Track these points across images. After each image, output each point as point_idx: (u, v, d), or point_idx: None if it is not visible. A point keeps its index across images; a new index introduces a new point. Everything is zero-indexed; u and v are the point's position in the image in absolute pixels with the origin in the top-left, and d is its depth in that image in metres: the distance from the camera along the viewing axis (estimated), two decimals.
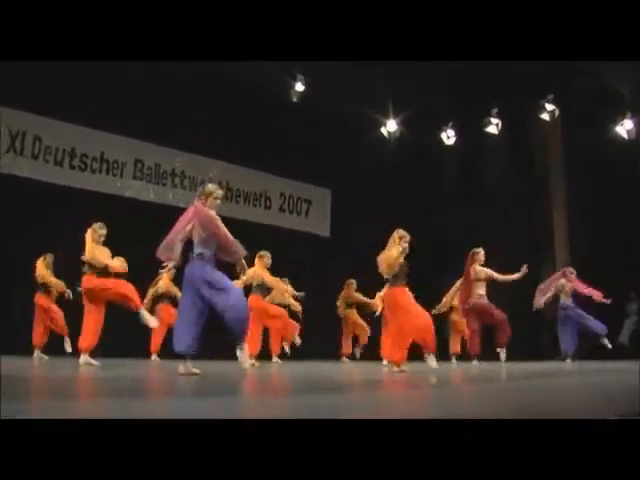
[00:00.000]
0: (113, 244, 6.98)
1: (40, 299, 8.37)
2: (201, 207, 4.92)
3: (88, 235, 6.60)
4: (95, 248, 6.54)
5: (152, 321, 6.36)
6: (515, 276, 8.23)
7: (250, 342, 7.47)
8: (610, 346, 9.21)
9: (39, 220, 9.21)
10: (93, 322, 6.52)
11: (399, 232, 6.46)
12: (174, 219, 10.68)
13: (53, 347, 8.43)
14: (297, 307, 9.46)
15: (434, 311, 9.88)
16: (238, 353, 4.78)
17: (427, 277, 8.06)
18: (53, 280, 8.31)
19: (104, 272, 6.56)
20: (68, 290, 8.18)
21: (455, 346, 10.75)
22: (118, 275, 6.69)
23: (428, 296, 7.90)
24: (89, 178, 10.55)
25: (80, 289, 6.76)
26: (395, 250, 6.32)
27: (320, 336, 10.43)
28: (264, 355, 8.85)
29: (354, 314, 11.03)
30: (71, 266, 8.50)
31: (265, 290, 8.35)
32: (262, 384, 4.70)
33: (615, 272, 11.05)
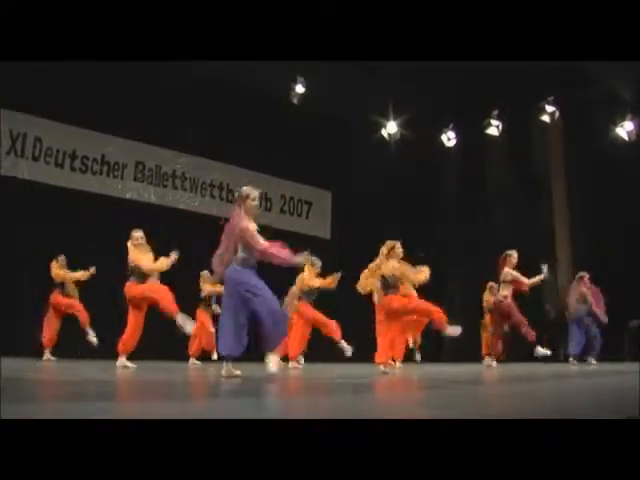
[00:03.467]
0: (114, 245, 7.03)
1: (57, 298, 8.44)
2: (237, 220, 4.71)
3: (129, 244, 6.76)
4: (137, 254, 6.67)
5: (189, 327, 6.28)
6: (537, 279, 8.25)
7: (295, 345, 8.13)
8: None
9: (40, 222, 9.21)
10: (133, 326, 6.67)
11: (389, 244, 6.63)
12: (175, 221, 10.79)
13: (61, 349, 8.50)
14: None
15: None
16: (269, 358, 4.66)
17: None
18: (72, 275, 8.42)
19: (143, 276, 6.70)
20: (91, 271, 8.35)
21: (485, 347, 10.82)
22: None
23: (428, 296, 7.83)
24: (90, 180, 10.55)
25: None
26: (393, 262, 6.52)
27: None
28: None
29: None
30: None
31: (313, 296, 8.41)
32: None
33: (617, 275, 11.03)
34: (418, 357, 10.43)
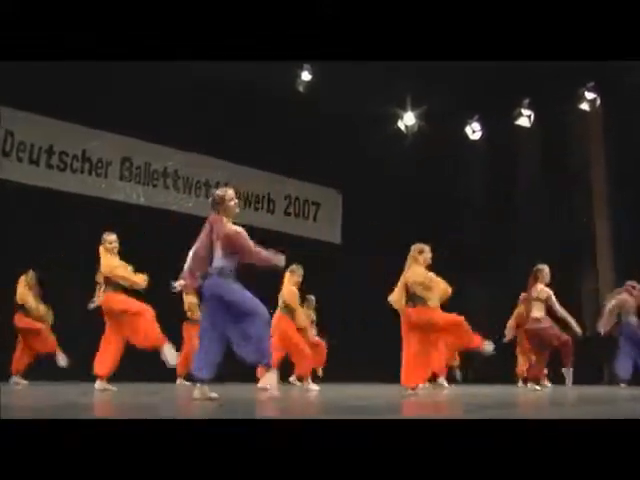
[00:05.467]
0: (97, 253, 7.03)
1: (20, 321, 8.51)
2: (219, 224, 4.89)
3: (102, 249, 6.94)
4: (113, 261, 6.88)
5: (172, 358, 6.57)
6: (573, 324, 8.11)
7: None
8: None
9: (11, 226, 9.17)
10: (113, 345, 6.84)
11: (417, 247, 6.66)
12: (167, 224, 10.79)
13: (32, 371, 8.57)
14: (312, 339, 9.47)
15: (505, 339, 10.18)
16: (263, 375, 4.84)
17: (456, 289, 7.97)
18: (32, 303, 8.49)
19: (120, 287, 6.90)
20: (48, 316, 8.49)
21: (520, 367, 10.85)
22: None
23: (455, 308, 7.83)
24: (69, 179, 10.57)
25: (94, 305, 7.15)
26: (419, 267, 6.52)
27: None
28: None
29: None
30: (50, 281, 8.73)
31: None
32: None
33: None
34: (459, 376, 10.44)
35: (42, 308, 8.49)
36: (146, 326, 6.59)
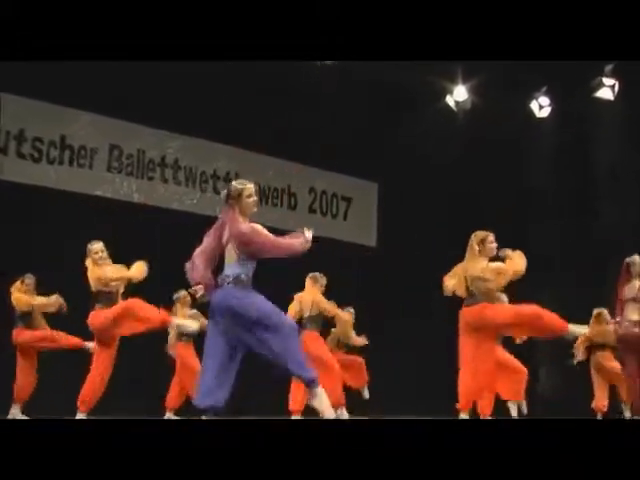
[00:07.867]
0: (82, 259, 7.22)
1: (20, 335, 8.52)
2: (234, 220, 5.04)
3: (88, 262, 7.27)
4: (98, 270, 7.20)
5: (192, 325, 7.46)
6: None
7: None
8: None
9: None
10: (100, 371, 7.19)
11: (477, 234, 6.81)
12: (166, 224, 10.72)
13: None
14: (361, 342, 9.99)
15: (575, 360, 10.12)
16: (313, 402, 4.94)
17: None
18: (40, 300, 8.53)
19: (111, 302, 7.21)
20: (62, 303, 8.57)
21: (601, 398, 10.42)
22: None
23: None
24: (45, 171, 10.58)
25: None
26: (481, 260, 6.68)
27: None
28: None
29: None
30: None
31: (319, 324, 8.89)
32: None
33: None
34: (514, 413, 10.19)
35: (54, 298, 8.49)
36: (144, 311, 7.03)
